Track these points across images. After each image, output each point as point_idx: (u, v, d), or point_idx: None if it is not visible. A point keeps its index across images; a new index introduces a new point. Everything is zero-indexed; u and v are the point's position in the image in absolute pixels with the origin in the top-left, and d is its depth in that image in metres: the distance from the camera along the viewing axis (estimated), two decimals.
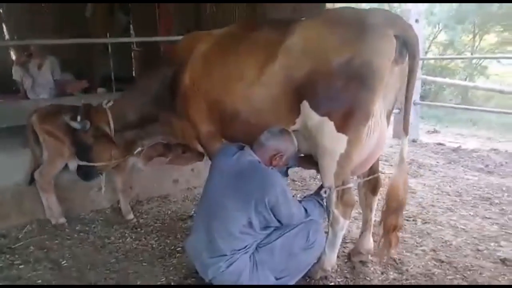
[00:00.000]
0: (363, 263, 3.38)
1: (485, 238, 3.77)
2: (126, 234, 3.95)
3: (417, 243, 3.72)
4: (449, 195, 4.84)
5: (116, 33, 9.59)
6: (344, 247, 3.61)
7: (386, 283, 3.13)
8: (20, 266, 3.39)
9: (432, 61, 14.37)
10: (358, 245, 3.42)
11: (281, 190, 2.67)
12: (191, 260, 3.00)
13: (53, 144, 3.85)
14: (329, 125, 2.76)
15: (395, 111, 7.69)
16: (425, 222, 4.10)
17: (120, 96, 3.96)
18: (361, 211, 3.53)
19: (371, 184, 3.30)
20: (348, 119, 2.73)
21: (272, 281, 2.78)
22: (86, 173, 3.81)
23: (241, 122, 3.12)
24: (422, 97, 10.03)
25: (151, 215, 4.41)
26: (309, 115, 2.82)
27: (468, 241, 3.72)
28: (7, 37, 10.12)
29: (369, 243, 3.38)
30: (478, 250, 3.57)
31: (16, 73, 7.80)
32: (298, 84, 2.81)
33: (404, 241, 3.74)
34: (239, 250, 2.73)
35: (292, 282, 2.92)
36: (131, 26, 10.90)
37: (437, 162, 6.15)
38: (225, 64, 3.15)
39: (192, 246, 2.93)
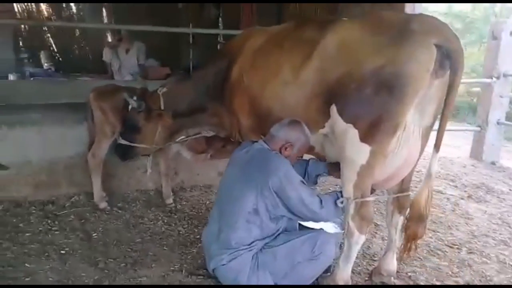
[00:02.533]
0: (383, 284, 3.17)
1: None
2: (160, 217, 4.09)
3: (452, 272, 3.39)
4: (509, 227, 4.35)
5: (205, 25, 9.87)
6: (370, 265, 3.42)
7: None
8: (56, 232, 3.66)
9: None
10: (379, 264, 3.22)
11: (285, 173, 2.66)
12: (203, 251, 3.04)
13: (102, 122, 4.02)
14: (353, 133, 2.65)
15: (476, 129, 7.15)
16: (470, 252, 3.73)
17: (175, 84, 4.05)
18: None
19: (399, 202, 3.08)
20: (373, 129, 2.59)
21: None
22: (123, 152, 3.88)
23: (273, 120, 3.08)
24: None
25: (190, 202, 4.52)
26: (336, 121, 2.73)
27: None
28: (105, 20, 10.90)
29: (391, 264, 3.15)
30: None
31: (106, 55, 8.42)
32: (330, 86, 2.72)
33: (439, 268, 3.44)
34: (244, 245, 2.72)
35: None
36: (220, 19, 11.17)
37: (510, 190, 5.56)
38: (268, 60, 3.14)
39: (205, 237, 2.99)
